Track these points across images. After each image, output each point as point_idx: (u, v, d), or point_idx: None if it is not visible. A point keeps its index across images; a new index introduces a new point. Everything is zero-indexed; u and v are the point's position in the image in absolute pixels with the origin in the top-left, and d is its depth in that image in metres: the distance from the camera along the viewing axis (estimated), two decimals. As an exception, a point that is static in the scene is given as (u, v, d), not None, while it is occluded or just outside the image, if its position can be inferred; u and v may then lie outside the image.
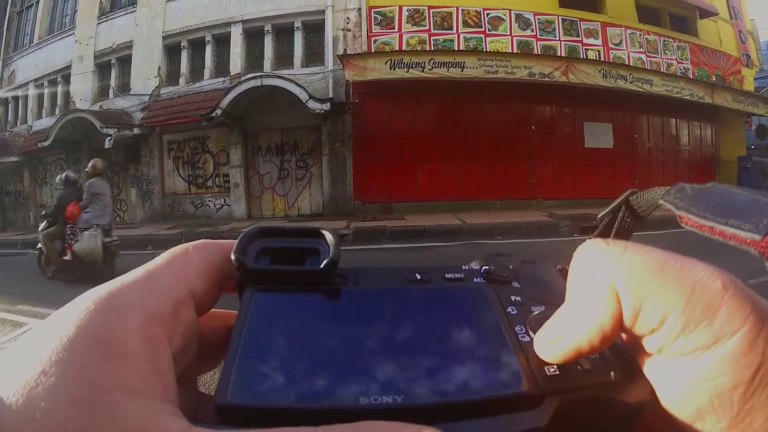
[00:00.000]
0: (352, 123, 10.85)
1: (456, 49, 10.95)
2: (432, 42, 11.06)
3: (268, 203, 11.83)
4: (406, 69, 9.77)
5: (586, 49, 12.30)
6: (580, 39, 12.38)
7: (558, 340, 0.25)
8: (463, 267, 0.32)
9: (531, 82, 10.38)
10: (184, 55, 12.72)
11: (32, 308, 5.01)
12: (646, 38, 13.53)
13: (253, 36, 12.14)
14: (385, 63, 9.79)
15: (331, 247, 0.29)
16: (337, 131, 11.02)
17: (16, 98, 16.91)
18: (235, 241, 0.28)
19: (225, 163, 11.81)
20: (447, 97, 10.72)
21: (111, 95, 13.79)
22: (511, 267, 0.32)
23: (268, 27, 11.88)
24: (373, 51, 10.81)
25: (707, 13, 14.56)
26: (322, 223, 9.57)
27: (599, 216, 0.31)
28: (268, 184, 11.81)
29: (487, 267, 0.31)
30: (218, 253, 0.29)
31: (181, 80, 12.60)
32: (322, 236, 0.30)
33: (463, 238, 8.23)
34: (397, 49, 10.83)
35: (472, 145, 11.04)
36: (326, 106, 9.93)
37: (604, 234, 0.31)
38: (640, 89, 11.44)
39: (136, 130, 12.21)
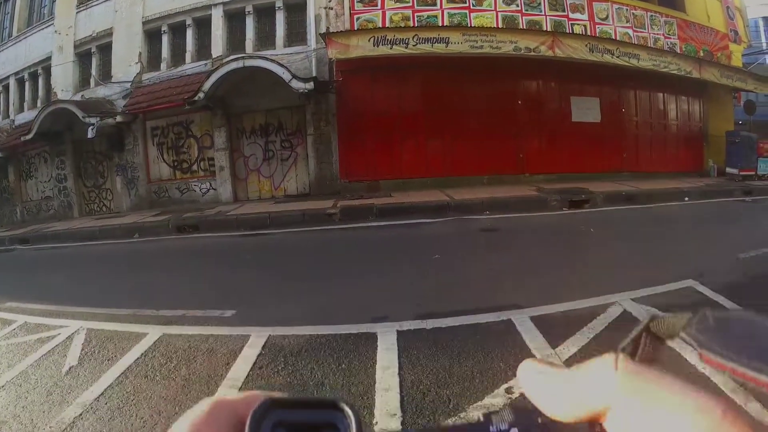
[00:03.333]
0: (336, 102, 10.70)
1: (440, 24, 10.78)
2: (416, 18, 10.88)
3: (254, 185, 11.67)
4: (389, 46, 9.61)
5: (572, 24, 12.17)
6: (566, 13, 12.23)
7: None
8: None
9: (517, 57, 10.24)
10: (165, 40, 12.50)
11: (21, 305, 4.93)
12: (633, 13, 13.42)
13: (235, 17, 11.93)
14: (369, 40, 9.62)
15: (351, 424, 0.26)
16: (322, 111, 10.86)
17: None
18: (245, 397, 0.27)
19: (210, 146, 11.63)
20: (432, 74, 10.58)
21: (92, 84, 13.59)
22: (540, 421, 0.27)
23: (249, 8, 11.68)
24: (356, 28, 10.63)
25: (695, -12, 14.49)
26: (310, 202, 9.59)
27: (620, 346, 0.28)
28: (253, 166, 11.65)
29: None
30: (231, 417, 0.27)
31: (163, 65, 12.39)
32: (341, 409, 0.27)
33: (451, 214, 8.16)
34: (380, 26, 10.66)
35: (458, 121, 10.91)
36: (309, 86, 9.78)
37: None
38: (627, 63, 11.35)
39: (118, 118, 12.01)
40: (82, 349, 3.49)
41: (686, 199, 10.07)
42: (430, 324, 3.38)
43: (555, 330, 3.16)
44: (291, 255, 6.24)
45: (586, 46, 10.84)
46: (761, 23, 24.44)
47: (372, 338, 3.20)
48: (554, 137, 11.69)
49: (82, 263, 7.47)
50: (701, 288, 3.98)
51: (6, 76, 16.13)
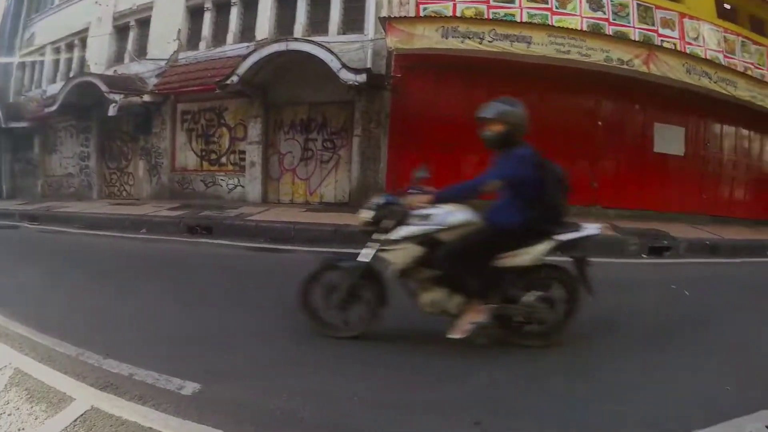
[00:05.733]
0: (390, 101, 9.37)
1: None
2: (491, 15, 9.55)
3: (286, 187, 10.37)
4: (461, 39, 8.24)
5: (662, 41, 10.72)
6: (656, 28, 10.81)
7: None
8: None
9: (602, 71, 8.84)
10: (207, 18, 11.51)
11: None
12: (725, 36, 11.90)
13: (285, -1, 10.83)
14: (437, 30, 8.28)
15: None
16: (373, 109, 9.54)
17: (33, 62, 16.14)
18: None
19: (242, 138, 10.43)
20: (505, 81, 9.10)
21: (126, 60, 12.74)
22: None
23: (301, -12, 10.57)
24: (421, 18, 9.34)
25: (792, 15, 12.84)
26: (347, 214, 8.19)
27: None
28: (288, 166, 10.35)
29: None
30: None
31: (202, 44, 11.39)
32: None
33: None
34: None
35: (530, 138, 9.44)
36: (361, 78, 8.53)
37: None
38: (724, 91, 9.81)
39: (146, 97, 11.03)
40: (-9, 404, 2.35)
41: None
42: None
43: None
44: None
45: (683, 65, 9.36)
46: None
47: None
48: (633, 168, 10.17)
49: (71, 258, 6.40)
50: None
51: (43, 45, 15.59)
